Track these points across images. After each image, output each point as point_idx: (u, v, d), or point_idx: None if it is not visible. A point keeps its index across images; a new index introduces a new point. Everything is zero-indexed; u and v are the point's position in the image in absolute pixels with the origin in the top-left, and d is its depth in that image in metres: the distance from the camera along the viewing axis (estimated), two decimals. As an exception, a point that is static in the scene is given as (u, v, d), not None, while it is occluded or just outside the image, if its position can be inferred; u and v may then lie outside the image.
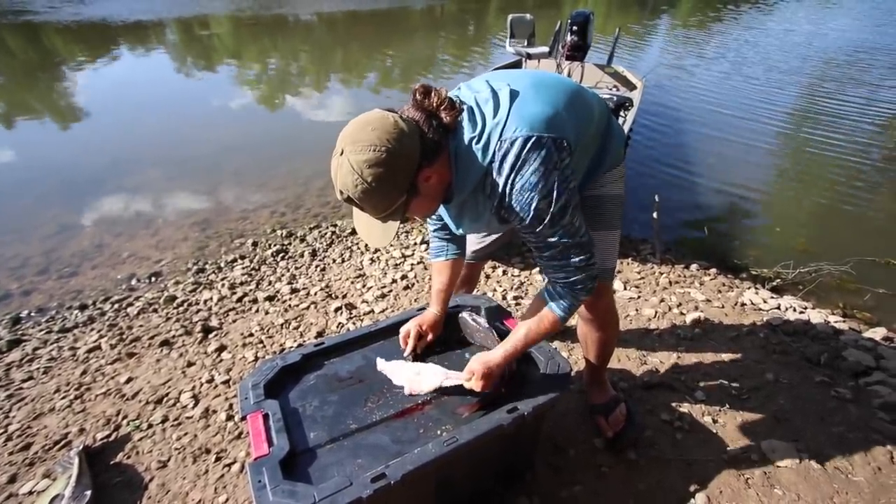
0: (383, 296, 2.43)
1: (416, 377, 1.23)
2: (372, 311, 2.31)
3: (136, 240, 3.24)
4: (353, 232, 3.19)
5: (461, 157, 0.99)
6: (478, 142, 0.98)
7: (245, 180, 4.10)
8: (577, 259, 1.05)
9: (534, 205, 0.97)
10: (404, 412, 1.19)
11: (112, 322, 2.38)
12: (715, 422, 1.62)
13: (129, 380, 1.95)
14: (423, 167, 0.95)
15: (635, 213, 3.26)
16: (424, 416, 1.18)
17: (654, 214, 2.86)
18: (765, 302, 2.33)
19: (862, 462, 1.46)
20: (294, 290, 2.54)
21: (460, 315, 1.42)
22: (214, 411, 1.75)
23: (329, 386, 1.27)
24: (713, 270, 2.67)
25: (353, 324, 2.23)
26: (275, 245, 3.10)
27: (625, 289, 2.42)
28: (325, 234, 3.22)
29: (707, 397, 1.71)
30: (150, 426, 1.70)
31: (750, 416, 1.63)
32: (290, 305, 2.41)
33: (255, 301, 2.47)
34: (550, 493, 1.38)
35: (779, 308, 2.29)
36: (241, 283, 2.66)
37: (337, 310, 2.33)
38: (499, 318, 1.44)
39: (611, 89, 4.23)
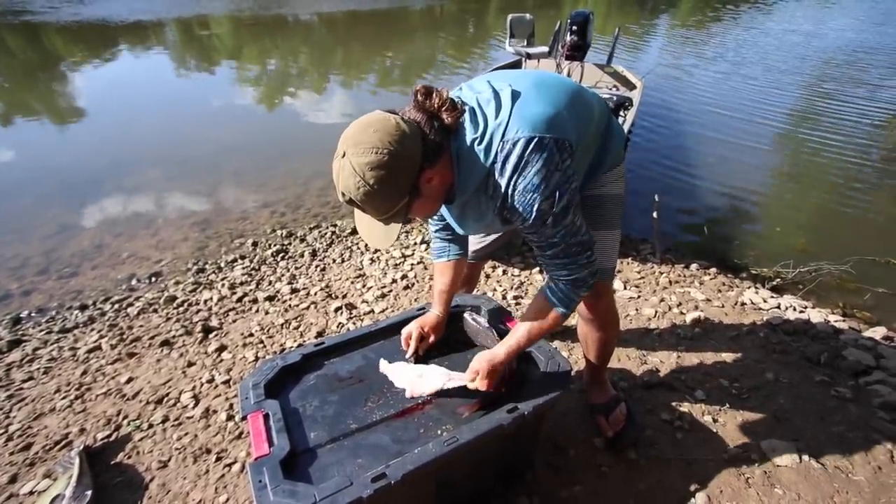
0: (383, 296, 2.44)
1: (418, 379, 1.23)
2: (372, 311, 2.32)
3: (136, 240, 3.24)
4: (353, 232, 3.19)
5: (463, 158, 1.00)
6: (480, 143, 0.98)
7: (245, 180, 4.10)
8: (578, 257, 1.06)
9: (536, 205, 0.97)
10: (404, 412, 1.19)
11: (112, 322, 2.38)
12: (715, 421, 1.62)
13: (129, 380, 1.95)
14: (424, 168, 0.95)
15: (635, 213, 3.26)
16: (425, 415, 1.18)
17: (654, 214, 2.86)
18: (765, 301, 2.33)
19: (862, 461, 1.46)
20: (294, 290, 2.54)
21: (463, 316, 1.43)
22: (215, 411, 1.75)
23: (329, 386, 1.27)
24: (713, 270, 2.67)
25: (354, 324, 2.23)
26: (275, 245, 3.10)
27: (625, 288, 2.42)
28: (325, 234, 3.22)
29: (707, 397, 1.71)
30: (150, 426, 1.70)
31: (750, 416, 1.63)
32: (290, 305, 2.41)
33: (255, 301, 2.47)
34: (550, 493, 1.38)
35: (779, 307, 2.29)
36: (242, 283, 2.66)
37: (337, 310, 2.33)
38: (500, 319, 1.44)
39: (610, 89, 4.23)
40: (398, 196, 0.94)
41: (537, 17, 4.58)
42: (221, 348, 2.10)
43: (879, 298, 2.56)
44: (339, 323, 2.24)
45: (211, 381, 1.90)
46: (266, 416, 1.13)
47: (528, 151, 0.95)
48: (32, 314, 2.53)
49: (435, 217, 1.30)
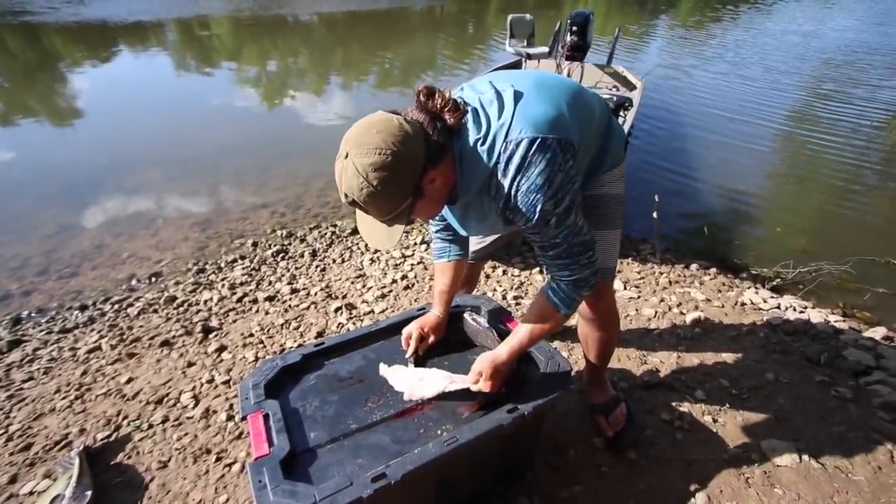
0: (383, 296, 2.44)
1: (418, 383, 1.22)
2: (372, 311, 2.32)
3: (136, 240, 3.24)
4: (353, 232, 3.19)
5: (466, 158, 1.00)
6: (483, 143, 0.98)
7: (245, 180, 4.10)
8: (580, 257, 1.06)
9: (539, 206, 0.97)
10: (404, 412, 1.19)
11: (112, 322, 2.38)
12: (715, 421, 1.62)
13: (129, 380, 1.95)
14: (427, 169, 0.95)
15: (635, 213, 3.26)
16: (425, 415, 1.18)
17: (654, 214, 2.86)
18: (765, 301, 2.33)
19: (862, 461, 1.46)
20: (294, 291, 2.54)
21: (463, 316, 1.43)
22: (215, 411, 1.75)
23: (329, 386, 1.27)
24: (713, 270, 2.67)
25: (353, 324, 2.23)
26: (275, 245, 3.10)
27: (625, 288, 2.42)
28: (325, 234, 3.22)
29: (707, 397, 1.71)
30: (150, 426, 1.70)
31: (750, 416, 1.64)
32: (290, 306, 2.41)
33: (255, 301, 2.47)
34: (550, 493, 1.38)
35: (779, 307, 2.29)
36: (242, 284, 2.66)
37: (337, 310, 2.33)
38: (500, 319, 1.44)
39: (610, 89, 4.23)
40: (401, 197, 0.94)
41: (537, 17, 4.59)
42: (221, 348, 2.10)
43: (879, 298, 2.56)
44: (339, 323, 2.24)
45: (211, 381, 1.90)
46: (266, 417, 1.13)
47: (531, 152, 0.95)
48: (32, 314, 2.53)
49: (436, 217, 1.30)
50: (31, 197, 3.83)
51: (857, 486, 1.39)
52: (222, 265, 2.91)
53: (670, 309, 2.24)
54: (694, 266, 2.71)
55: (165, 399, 1.83)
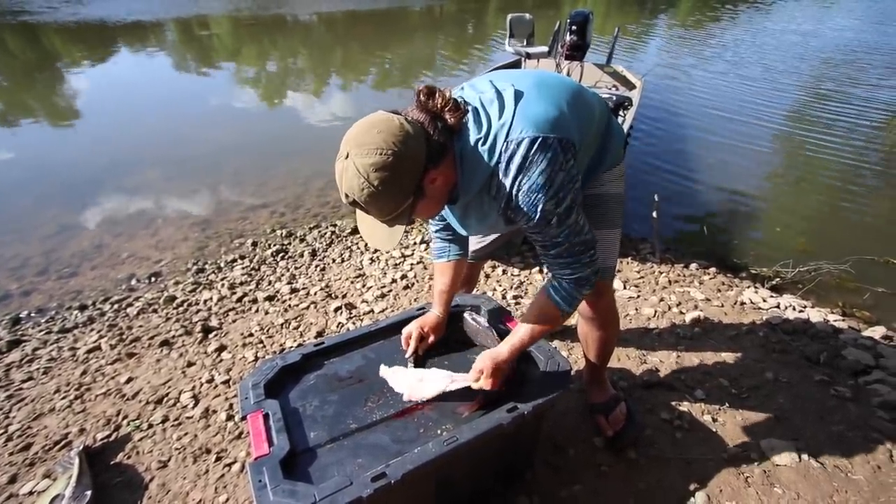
0: (383, 296, 2.44)
1: (418, 384, 1.22)
2: (372, 310, 2.32)
3: (135, 240, 3.24)
4: (353, 232, 3.19)
5: (467, 158, 0.99)
6: (483, 143, 0.98)
7: (244, 180, 4.10)
8: (581, 256, 1.07)
9: (541, 206, 0.97)
10: (404, 412, 1.19)
11: (112, 322, 2.38)
12: (715, 421, 1.62)
13: (129, 380, 1.94)
14: (428, 169, 0.94)
15: (635, 213, 3.26)
16: (424, 415, 1.18)
17: (654, 214, 2.86)
18: (764, 301, 2.33)
19: (861, 461, 1.47)
20: (294, 290, 2.54)
21: (463, 316, 1.43)
22: (214, 411, 1.75)
23: (329, 386, 1.27)
24: (712, 269, 2.68)
25: (353, 324, 2.23)
26: (274, 245, 3.10)
27: (624, 288, 2.42)
28: (325, 233, 3.22)
29: (707, 396, 1.71)
30: (150, 426, 1.70)
31: (749, 415, 1.64)
32: (289, 305, 2.41)
33: (254, 301, 2.47)
34: (550, 493, 1.38)
35: (778, 307, 2.30)
36: (241, 283, 2.66)
37: (337, 310, 2.33)
38: (499, 319, 1.44)
39: (610, 89, 4.24)
40: (402, 197, 0.94)
41: (537, 17, 4.59)
42: (221, 348, 2.10)
43: (879, 298, 2.56)
44: (339, 323, 2.24)
45: (211, 381, 1.90)
46: (266, 416, 1.13)
47: (532, 151, 0.95)
48: (32, 314, 2.53)
49: (435, 217, 1.30)
50: (30, 197, 3.83)
51: (857, 485, 1.39)
52: (222, 265, 2.91)
53: (670, 308, 2.24)
54: (693, 265, 2.71)
55: (165, 399, 1.83)
